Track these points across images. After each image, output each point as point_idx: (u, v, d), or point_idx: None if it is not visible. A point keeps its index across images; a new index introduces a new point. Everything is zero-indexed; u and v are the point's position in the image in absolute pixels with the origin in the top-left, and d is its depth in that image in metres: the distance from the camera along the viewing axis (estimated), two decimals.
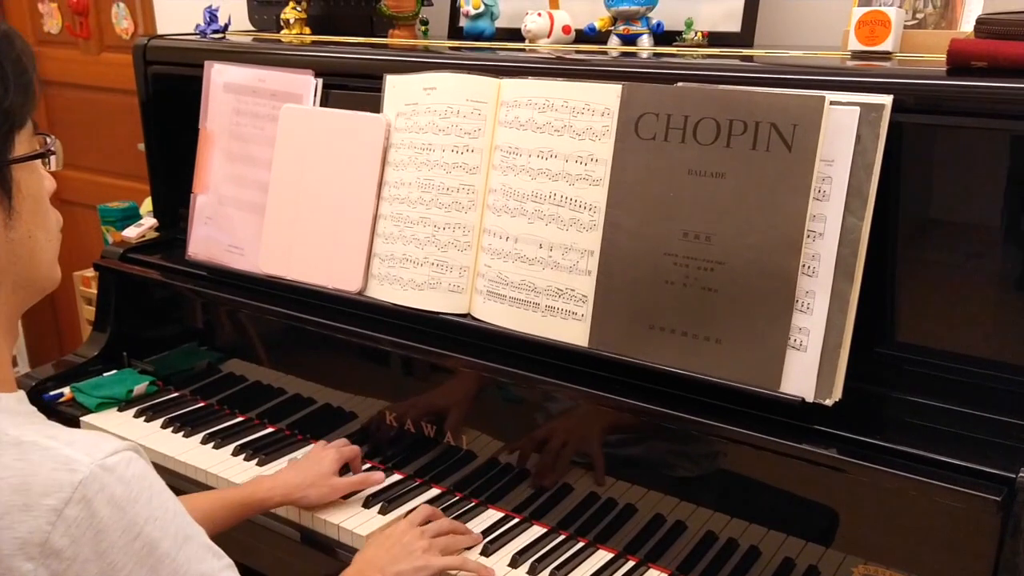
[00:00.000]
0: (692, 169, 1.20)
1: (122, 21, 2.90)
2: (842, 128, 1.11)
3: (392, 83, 1.52)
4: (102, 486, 0.79)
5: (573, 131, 1.30)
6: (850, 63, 1.27)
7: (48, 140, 0.94)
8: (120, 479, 0.80)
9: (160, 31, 2.68)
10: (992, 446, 1.10)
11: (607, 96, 1.27)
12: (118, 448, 0.82)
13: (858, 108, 1.10)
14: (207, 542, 0.89)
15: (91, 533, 0.78)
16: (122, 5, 2.89)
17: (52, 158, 0.94)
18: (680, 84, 1.24)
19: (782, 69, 1.24)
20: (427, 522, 1.32)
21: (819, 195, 1.13)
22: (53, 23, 3.17)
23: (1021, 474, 1.01)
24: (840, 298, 1.12)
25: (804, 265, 1.13)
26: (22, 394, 0.91)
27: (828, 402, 1.13)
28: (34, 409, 0.91)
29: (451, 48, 1.67)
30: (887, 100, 1.09)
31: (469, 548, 1.33)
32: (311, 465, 1.45)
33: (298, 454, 1.58)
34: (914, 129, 1.14)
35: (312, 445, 1.57)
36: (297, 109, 1.62)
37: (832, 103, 1.11)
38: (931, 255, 1.21)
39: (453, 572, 1.27)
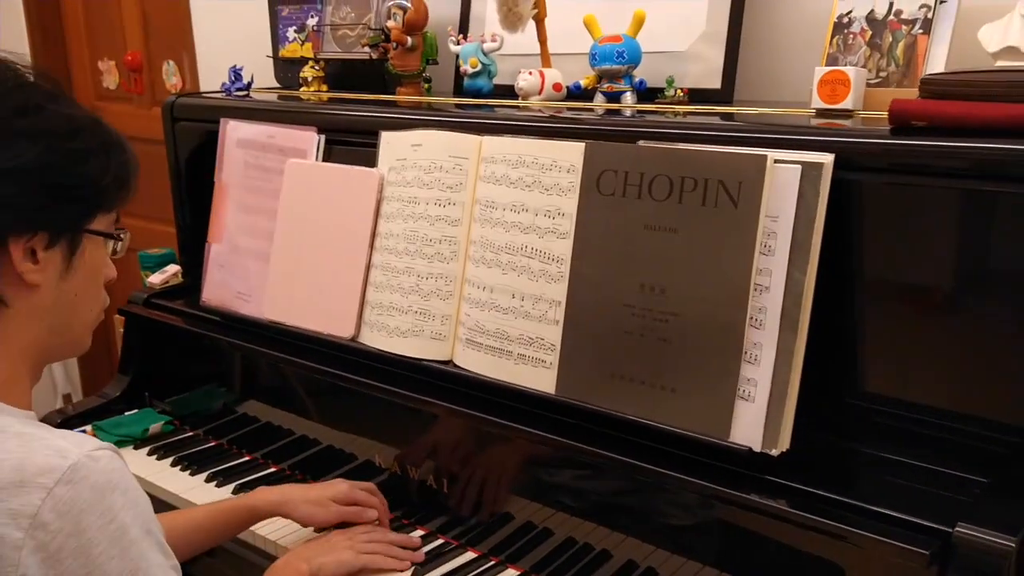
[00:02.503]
0: (648, 224, 1.24)
1: (171, 77, 3.06)
2: (785, 185, 1.14)
3: (387, 139, 1.60)
4: (88, 472, 0.93)
5: (542, 186, 1.36)
6: (808, 122, 1.30)
7: (121, 231, 1.13)
8: (102, 470, 0.94)
9: (203, 86, 2.82)
10: (940, 499, 1.10)
11: (572, 154, 1.32)
12: (101, 445, 0.97)
13: (800, 166, 1.13)
14: (161, 540, 1.01)
15: (75, 512, 0.91)
16: (171, 63, 3.05)
17: (118, 244, 1.13)
18: (640, 142, 1.28)
19: (736, 128, 1.28)
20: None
21: (765, 250, 1.16)
22: (111, 80, 3.36)
23: (957, 529, 1.02)
24: (786, 350, 1.15)
25: (751, 317, 1.16)
26: (32, 414, 1.05)
27: (774, 452, 1.15)
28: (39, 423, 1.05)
29: (447, 105, 1.75)
30: (828, 159, 1.12)
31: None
32: (319, 486, 1.50)
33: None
34: (860, 186, 1.17)
35: None
36: (301, 164, 1.71)
37: (776, 161, 1.15)
38: (891, 308, 1.22)
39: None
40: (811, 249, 1.13)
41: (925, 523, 1.05)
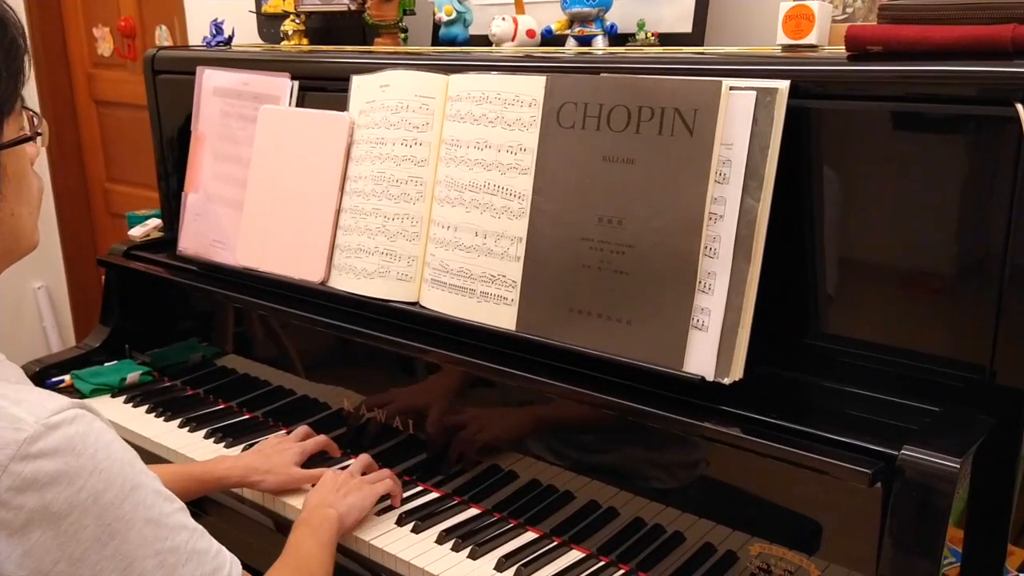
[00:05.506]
0: (606, 155, 1.24)
1: (164, 42, 3.06)
2: (740, 112, 1.13)
3: (357, 83, 1.59)
4: (45, 444, 0.83)
5: (504, 122, 1.35)
6: (759, 54, 1.29)
7: (35, 120, 0.97)
8: (64, 436, 0.84)
9: None
10: (892, 427, 1.09)
11: (533, 87, 1.32)
12: (63, 407, 0.86)
13: (754, 92, 1.12)
14: (157, 488, 0.92)
15: (36, 486, 0.82)
16: (164, 28, 3.05)
17: (39, 139, 0.97)
18: (601, 75, 1.28)
19: (692, 60, 1.27)
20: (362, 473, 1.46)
21: (720, 178, 1.15)
22: (106, 46, 3.37)
23: (903, 451, 1.01)
24: (739, 279, 1.14)
25: (706, 247, 1.16)
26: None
27: (726, 380, 1.14)
28: (11, 364, 0.97)
29: (421, 51, 1.74)
30: (783, 85, 1.11)
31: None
32: (273, 453, 1.52)
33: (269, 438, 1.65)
34: (818, 114, 1.16)
35: (279, 432, 1.64)
36: (274, 109, 1.70)
37: (731, 88, 1.14)
38: (848, 241, 1.21)
39: None
40: (765, 176, 1.12)
41: (874, 447, 1.04)
